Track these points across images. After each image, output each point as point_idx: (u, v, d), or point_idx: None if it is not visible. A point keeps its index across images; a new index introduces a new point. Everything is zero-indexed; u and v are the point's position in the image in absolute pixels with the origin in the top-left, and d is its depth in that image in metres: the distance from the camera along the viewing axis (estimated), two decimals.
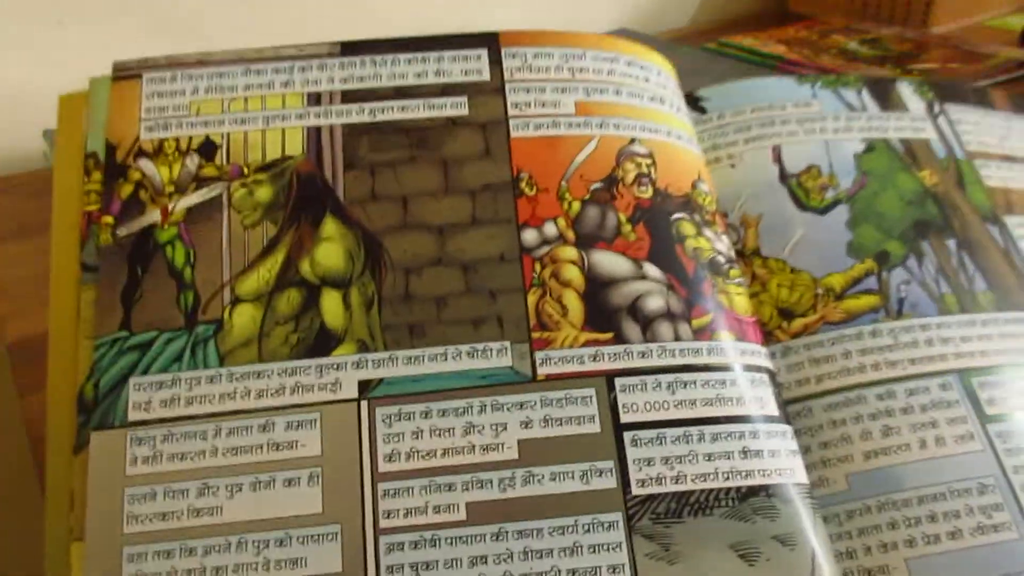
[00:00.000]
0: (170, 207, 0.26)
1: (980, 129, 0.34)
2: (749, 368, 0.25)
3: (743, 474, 0.23)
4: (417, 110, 0.27)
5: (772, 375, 0.26)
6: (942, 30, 0.89)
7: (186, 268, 0.26)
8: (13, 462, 0.34)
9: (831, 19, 0.99)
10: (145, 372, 0.24)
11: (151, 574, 0.22)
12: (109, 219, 0.26)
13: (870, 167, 0.32)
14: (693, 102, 0.33)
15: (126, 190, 0.27)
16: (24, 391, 0.38)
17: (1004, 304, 0.29)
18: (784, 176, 0.31)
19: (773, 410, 0.25)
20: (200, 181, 0.27)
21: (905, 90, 0.34)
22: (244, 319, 0.25)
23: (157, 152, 0.27)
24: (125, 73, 0.28)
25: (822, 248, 0.29)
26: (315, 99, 0.27)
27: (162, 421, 0.24)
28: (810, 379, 0.27)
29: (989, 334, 0.28)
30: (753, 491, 0.23)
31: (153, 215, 0.26)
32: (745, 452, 0.23)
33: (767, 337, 0.28)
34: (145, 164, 0.27)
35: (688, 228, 0.27)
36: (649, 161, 0.27)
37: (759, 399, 0.25)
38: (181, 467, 0.23)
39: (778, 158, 0.32)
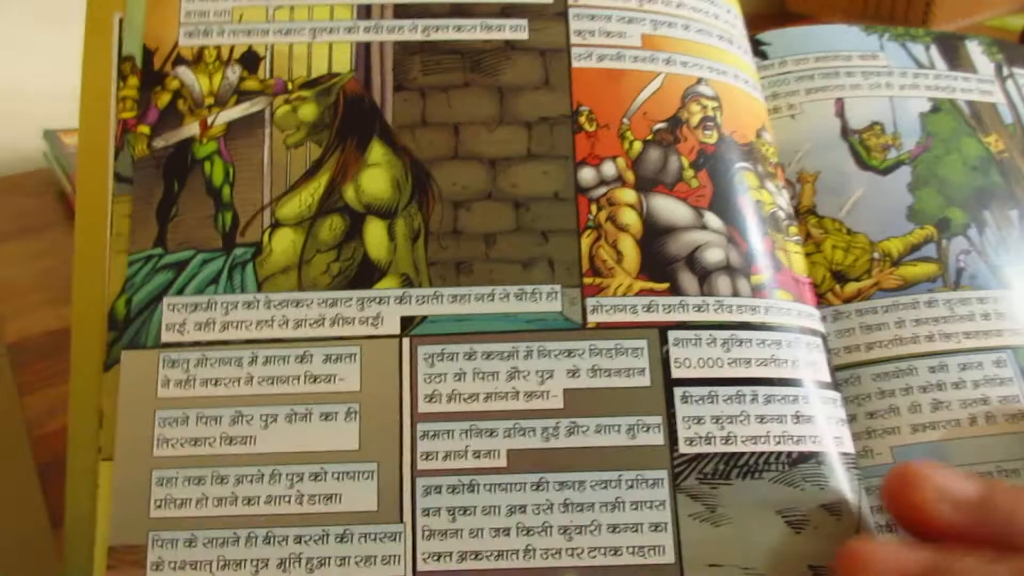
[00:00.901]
0: (209, 120, 0.25)
1: None
2: (805, 331, 0.24)
3: (795, 439, 0.22)
4: (474, 31, 0.26)
5: (824, 339, 0.25)
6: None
7: (225, 186, 0.24)
8: (13, 462, 0.34)
9: (830, 19, 0.96)
10: (180, 292, 0.24)
11: (180, 499, 0.22)
12: (145, 129, 0.25)
13: (935, 128, 0.30)
14: (755, 45, 0.31)
15: (163, 99, 0.25)
16: (24, 391, 0.38)
17: None
18: (846, 132, 0.29)
19: (825, 376, 0.24)
20: (241, 94, 0.25)
21: (974, 49, 0.32)
22: (284, 244, 0.24)
23: (197, 60, 0.25)
24: None
25: (881, 210, 0.28)
26: (365, 11, 0.26)
27: (196, 344, 0.23)
28: (860, 346, 0.26)
29: None
30: (804, 457, 0.22)
31: (191, 128, 0.25)
32: (798, 417, 0.23)
33: (819, 300, 0.27)
34: (184, 72, 0.25)
35: (752, 179, 0.25)
36: (715, 104, 0.26)
37: (813, 363, 0.24)
38: (215, 393, 0.23)
39: (841, 112, 0.30)
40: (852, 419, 0.25)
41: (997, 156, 0.30)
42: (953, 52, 0.32)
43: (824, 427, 0.23)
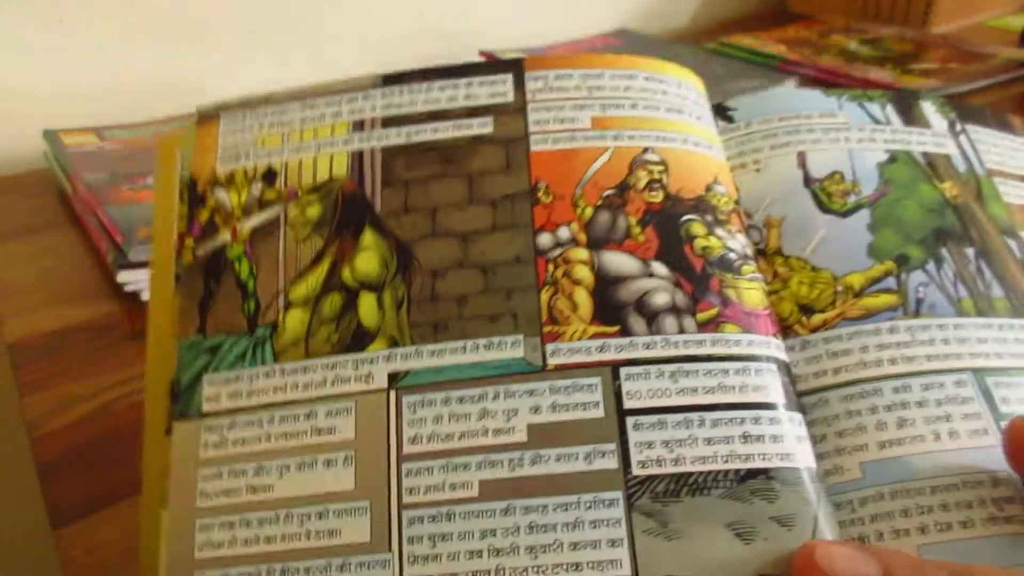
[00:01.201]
0: (238, 228, 0.30)
1: (1000, 150, 0.34)
2: (754, 358, 0.26)
3: (742, 457, 0.24)
4: (447, 131, 0.30)
5: (782, 364, 0.26)
6: (942, 30, 0.86)
7: (250, 280, 0.29)
8: (13, 462, 0.35)
9: (831, 19, 0.96)
10: (216, 370, 0.28)
11: (217, 542, 0.26)
12: (191, 241, 0.31)
13: (892, 176, 0.32)
14: (721, 112, 0.34)
15: (204, 215, 0.31)
16: (24, 391, 0.38)
17: (1021, 311, 0.29)
18: (808, 181, 0.32)
19: (780, 398, 0.25)
20: (263, 204, 0.31)
21: (928, 108, 0.35)
22: (295, 321, 0.28)
23: (229, 182, 0.31)
24: (206, 114, 0.33)
25: (843, 248, 0.30)
26: (359, 126, 0.31)
27: (229, 412, 0.28)
28: (827, 371, 0.28)
29: (1005, 338, 0.28)
30: (752, 474, 0.24)
31: (225, 236, 0.30)
32: (745, 437, 0.25)
33: (786, 331, 0.29)
34: (219, 192, 0.31)
35: (698, 228, 0.28)
36: (661, 168, 0.29)
37: (765, 387, 0.26)
38: (242, 451, 0.27)
39: (803, 164, 0.32)
40: (822, 439, 0.26)
41: (952, 201, 0.32)
42: (908, 110, 0.34)
43: (775, 445, 0.25)
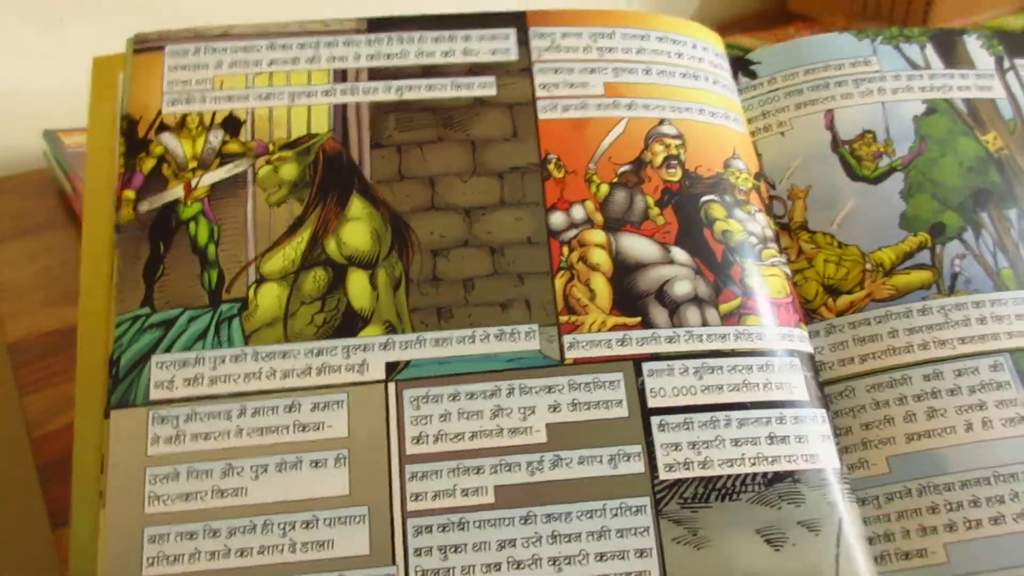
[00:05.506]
0: (193, 183, 0.26)
1: None
2: (779, 352, 0.25)
3: (769, 460, 0.23)
4: (444, 89, 0.27)
5: (807, 357, 0.25)
6: None
7: (210, 245, 0.25)
8: (13, 462, 0.34)
9: (831, 19, 0.99)
10: (168, 350, 0.24)
11: (173, 555, 0.22)
12: (130, 194, 0.26)
13: (930, 131, 0.30)
14: (743, 66, 0.32)
15: (148, 164, 0.26)
16: (24, 391, 0.38)
17: None
18: (837, 143, 0.30)
19: (803, 395, 0.25)
20: (224, 157, 0.26)
21: (973, 43, 0.32)
22: (269, 298, 0.25)
23: (179, 126, 0.27)
24: (146, 45, 0.28)
25: (873, 220, 0.28)
26: (341, 76, 0.27)
27: (186, 400, 0.24)
28: (854, 359, 0.27)
29: None
30: (779, 477, 0.23)
31: (176, 191, 0.26)
32: (772, 438, 0.23)
33: (811, 315, 0.27)
34: (167, 138, 0.26)
35: (718, 210, 0.27)
36: (679, 142, 0.27)
37: (788, 384, 0.25)
38: (205, 447, 0.23)
39: (831, 124, 0.30)
40: (847, 431, 0.26)
41: (995, 154, 0.30)
42: (950, 49, 0.32)
43: (801, 446, 0.24)
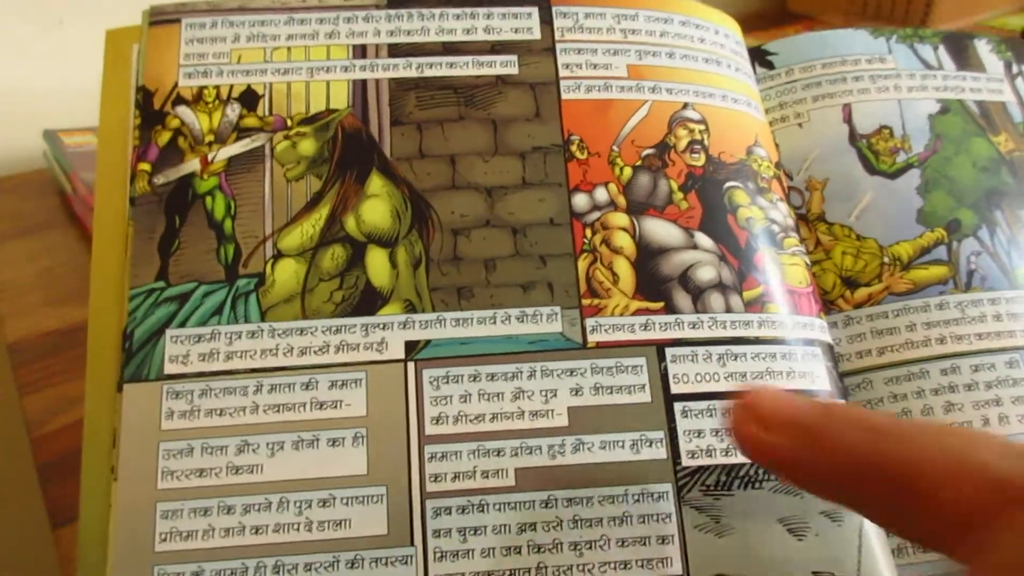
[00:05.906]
0: (210, 156, 0.26)
1: None
2: (801, 341, 0.25)
3: None
4: (466, 67, 0.27)
5: (828, 347, 0.25)
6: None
7: (226, 220, 0.25)
8: (13, 462, 0.34)
9: (831, 19, 0.98)
10: (183, 324, 0.24)
11: (186, 531, 0.22)
12: (146, 166, 0.25)
13: (944, 129, 0.30)
14: (760, 56, 0.32)
15: (164, 137, 0.26)
16: (24, 391, 0.38)
17: None
18: (854, 137, 0.30)
19: (825, 384, 0.24)
20: (241, 131, 0.26)
21: (983, 48, 0.32)
22: (287, 274, 0.24)
23: (196, 100, 0.26)
24: (162, 18, 0.27)
25: (891, 214, 0.28)
26: (361, 51, 0.27)
27: (200, 375, 0.23)
28: (872, 351, 0.26)
29: None
30: None
31: (192, 164, 0.25)
32: None
33: (828, 306, 0.27)
34: (184, 111, 0.26)
35: (741, 197, 0.26)
36: (702, 127, 0.27)
37: (810, 373, 0.24)
38: (220, 423, 0.23)
39: (848, 118, 0.30)
40: None
41: (1007, 156, 0.30)
42: (962, 52, 0.32)
43: None
